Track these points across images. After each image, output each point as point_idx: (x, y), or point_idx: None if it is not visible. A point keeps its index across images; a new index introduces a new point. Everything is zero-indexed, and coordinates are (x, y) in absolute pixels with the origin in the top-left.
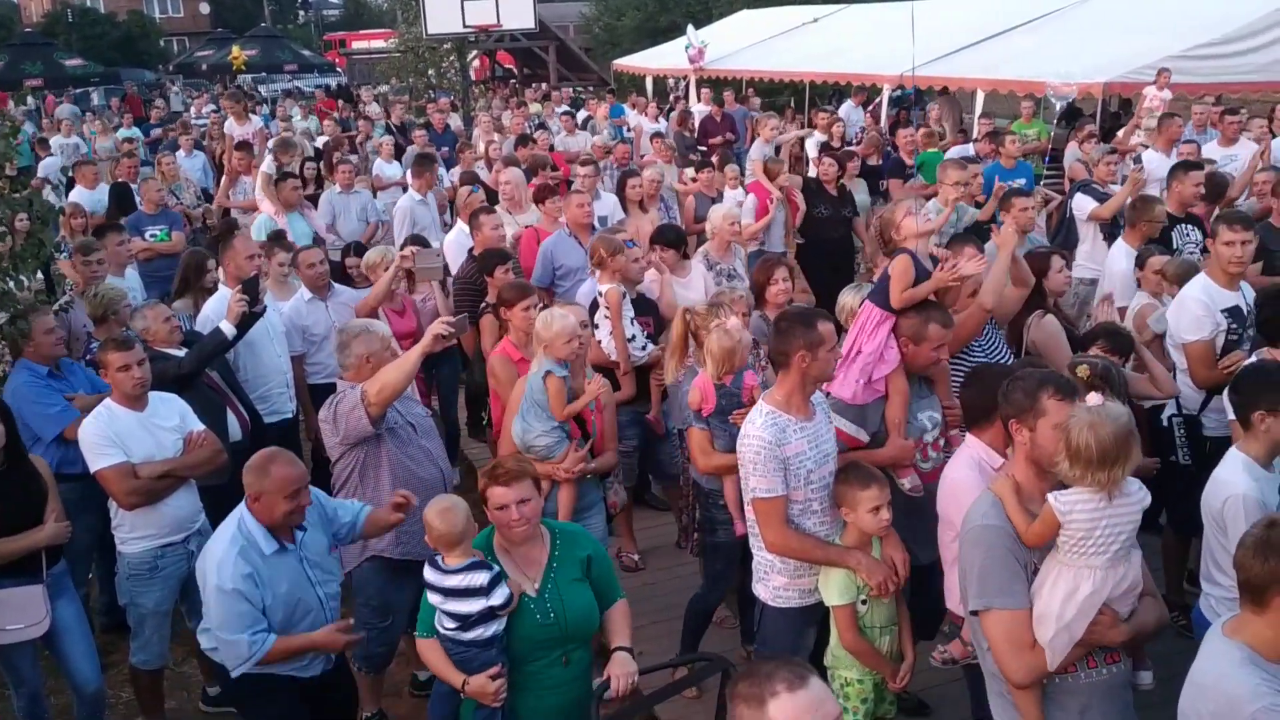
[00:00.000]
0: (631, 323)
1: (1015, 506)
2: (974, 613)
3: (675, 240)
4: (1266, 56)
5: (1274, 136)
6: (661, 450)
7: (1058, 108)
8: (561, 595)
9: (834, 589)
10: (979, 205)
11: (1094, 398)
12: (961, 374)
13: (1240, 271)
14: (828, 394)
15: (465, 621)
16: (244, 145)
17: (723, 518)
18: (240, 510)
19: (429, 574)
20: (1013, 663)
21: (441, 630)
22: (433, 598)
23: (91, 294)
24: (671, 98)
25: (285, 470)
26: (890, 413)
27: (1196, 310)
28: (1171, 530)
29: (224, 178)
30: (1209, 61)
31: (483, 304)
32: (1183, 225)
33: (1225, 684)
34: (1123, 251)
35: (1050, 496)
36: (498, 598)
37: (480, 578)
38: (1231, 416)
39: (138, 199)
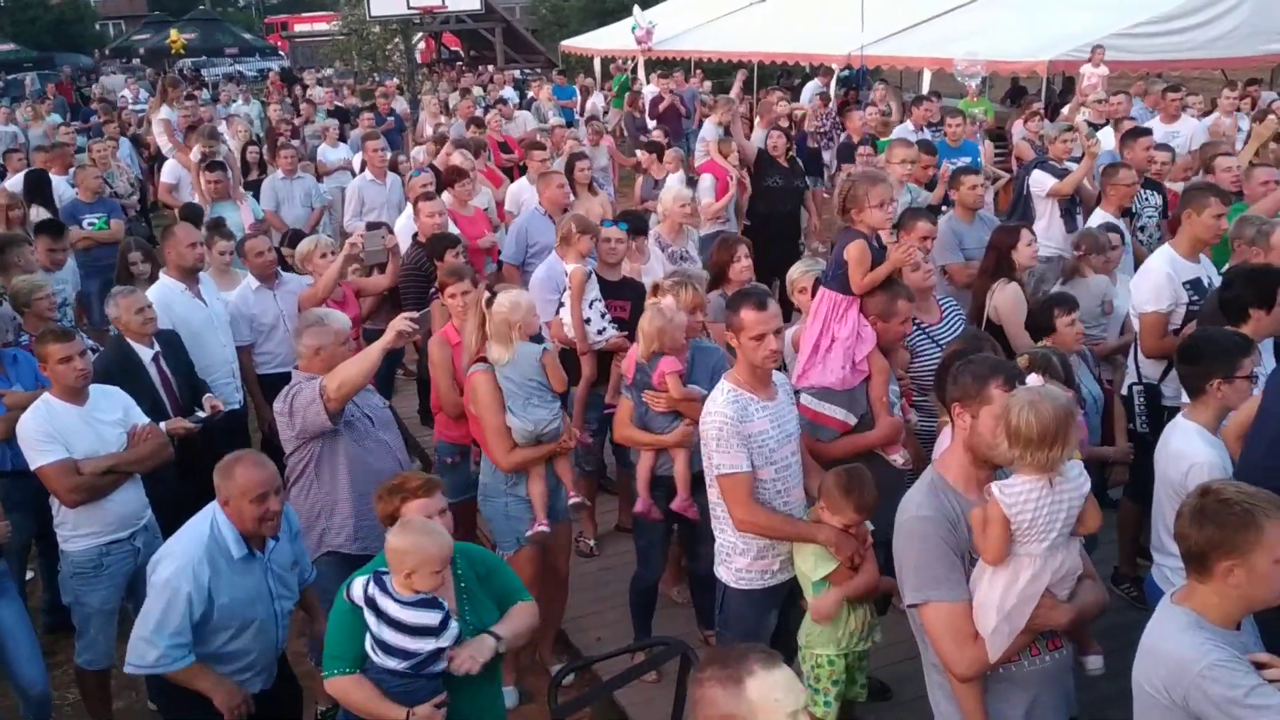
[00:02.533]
0: (590, 306)
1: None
2: (912, 606)
3: (637, 227)
4: (1208, 33)
5: (1212, 111)
6: None
7: (973, 86)
8: (480, 615)
9: (815, 564)
10: (931, 185)
11: (1034, 379)
12: (925, 352)
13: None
14: (797, 388)
15: (414, 660)
16: (194, 128)
17: (652, 519)
18: (214, 508)
19: (381, 599)
20: (955, 655)
21: (380, 663)
22: (380, 629)
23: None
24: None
25: (248, 473)
26: (875, 392)
27: (1159, 280)
28: (1128, 499)
29: (189, 164)
30: (1149, 39)
31: (431, 290)
32: (1142, 191)
33: (1173, 647)
34: (1100, 221)
35: (994, 489)
36: (447, 638)
37: (433, 616)
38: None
39: (73, 189)
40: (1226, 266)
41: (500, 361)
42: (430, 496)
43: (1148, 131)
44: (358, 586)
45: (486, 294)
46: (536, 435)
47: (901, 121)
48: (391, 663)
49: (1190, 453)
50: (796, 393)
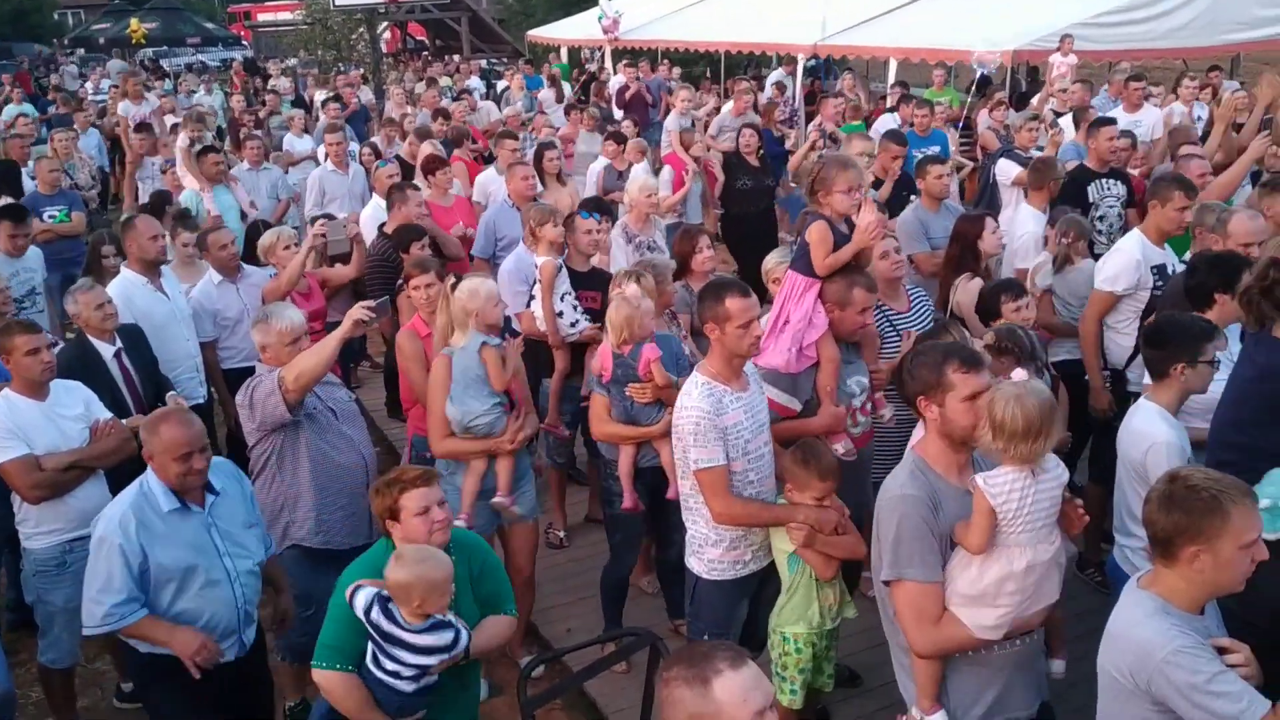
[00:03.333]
0: (562, 299)
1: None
2: (885, 583)
3: (602, 213)
4: (1170, 22)
5: (1176, 100)
6: None
7: (978, 75)
8: (459, 617)
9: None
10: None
11: (1020, 373)
12: (891, 341)
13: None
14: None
15: (423, 672)
16: (144, 126)
17: (619, 489)
18: (147, 471)
19: (384, 621)
20: (916, 633)
21: (380, 675)
22: (392, 650)
23: None
24: (590, 69)
25: (174, 431)
26: (821, 380)
27: (1126, 263)
28: (1093, 484)
29: (127, 163)
30: (1113, 29)
31: (399, 282)
32: (1103, 180)
33: (1137, 633)
34: (1029, 214)
35: (979, 480)
36: (459, 650)
37: (446, 636)
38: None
39: (32, 180)
40: (1188, 254)
41: (456, 346)
42: (429, 486)
43: (1112, 121)
44: (360, 601)
45: (452, 280)
46: (464, 426)
47: (868, 112)
48: (407, 672)
49: (1150, 433)
50: None
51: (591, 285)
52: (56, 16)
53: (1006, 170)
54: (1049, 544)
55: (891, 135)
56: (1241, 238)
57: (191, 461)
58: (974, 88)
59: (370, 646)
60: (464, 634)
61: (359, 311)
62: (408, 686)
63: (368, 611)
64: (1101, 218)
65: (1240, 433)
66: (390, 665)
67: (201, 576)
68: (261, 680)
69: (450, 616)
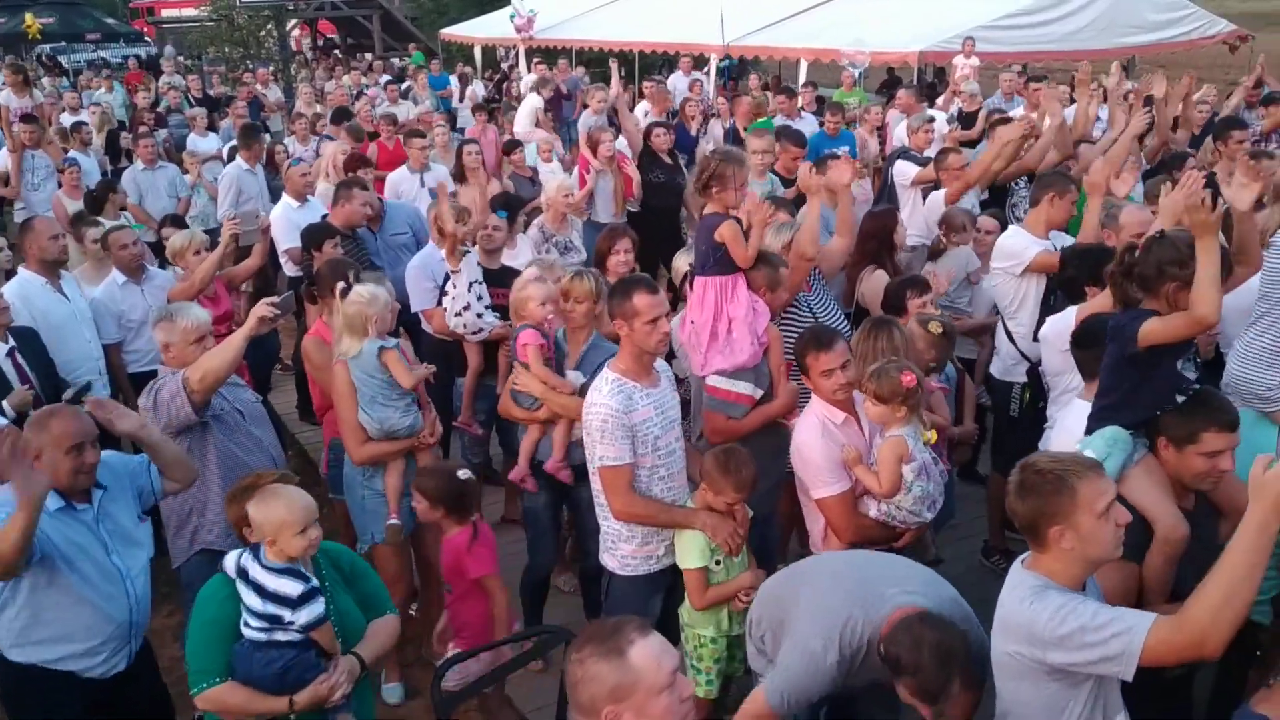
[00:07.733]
0: (470, 288)
1: None
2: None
3: (509, 209)
4: (1068, 26)
5: (1072, 103)
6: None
7: (856, 75)
8: (341, 616)
9: (689, 552)
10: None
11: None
12: (794, 332)
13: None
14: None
15: (275, 628)
16: (29, 118)
17: (525, 489)
18: None
19: (250, 565)
20: None
21: (255, 636)
22: (247, 595)
23: None
24: (504, 67)
25: (64, 424)
26: (775, 361)
27: (1017, 241)
28: (998, 474)
29: (10, 155)
30: (1015, 31)
31: (304, 282)
32: (1015, 182)
33: (1023, 608)
34: (938, 205)
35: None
36: (303, 614)
37: (294, 586)
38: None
39: None
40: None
41: (349, 354)
42: None
43: (1007, 120)
44: (231, 558)
45: (341, 285)
46: (385, 433)
47: (772, 109)
48: (257, 632)
49: (1075, 430)
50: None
51: (503, 283)
52: None
53: (904, 171)
54: None
55: (790, 135)
56: (1134, 229)
57: (84, 455)
58: (881, 88)
59: (242, 612)
60: (315, 604)
61: (263, 309)
62: (277, 635)
63: (238, 559)
64: (1016, 211)
65: (1103, 396)
66: (255, 621)
67: (90, 574)
68: (146, 686)
69: (312, 579)
